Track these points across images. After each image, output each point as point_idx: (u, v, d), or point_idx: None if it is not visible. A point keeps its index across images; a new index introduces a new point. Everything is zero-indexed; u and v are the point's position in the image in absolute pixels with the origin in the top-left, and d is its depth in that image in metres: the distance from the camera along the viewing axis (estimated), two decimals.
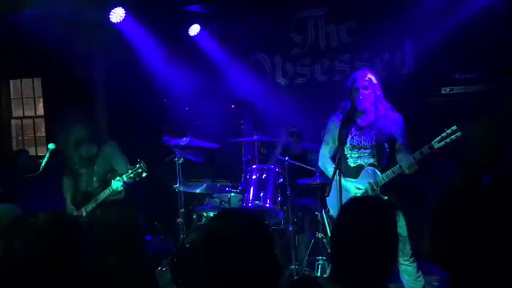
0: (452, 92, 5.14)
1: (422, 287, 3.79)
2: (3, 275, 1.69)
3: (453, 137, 3.44)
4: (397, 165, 3.61)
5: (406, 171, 3.56)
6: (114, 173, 4.39)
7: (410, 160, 3.53)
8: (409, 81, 5.62)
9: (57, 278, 1.71)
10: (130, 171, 4.14)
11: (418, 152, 3.54)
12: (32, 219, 1.76)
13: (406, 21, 5.42)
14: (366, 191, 3.70)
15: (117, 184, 4.15)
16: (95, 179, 4.44)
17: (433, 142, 3.49)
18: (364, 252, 1.71)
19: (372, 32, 5.70)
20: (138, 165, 4.14)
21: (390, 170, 3.63)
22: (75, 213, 4.44)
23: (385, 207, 1.86)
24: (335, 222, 1.88)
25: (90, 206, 4.35)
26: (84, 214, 4.36)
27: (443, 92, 5.19)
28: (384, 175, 3.66)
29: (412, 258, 3.73)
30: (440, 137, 3.48)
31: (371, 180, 3.69)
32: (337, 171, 3.44)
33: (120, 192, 4.29)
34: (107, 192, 4.25)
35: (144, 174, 4.15)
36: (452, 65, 5.24)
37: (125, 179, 4.13)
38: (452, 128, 3.46)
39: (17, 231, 1.74)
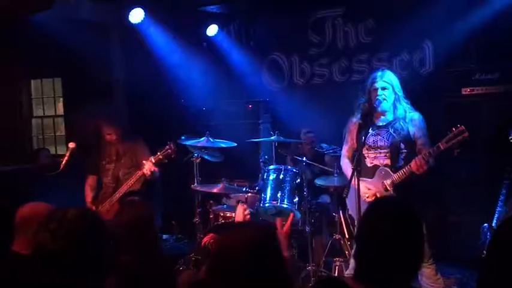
0: (472, 92, 5.06)
1: None
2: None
3: (460, 138, 3.37)
4: (408, 166, 3.57)
5: (416, 172, 3.52)
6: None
7: (419, 160, 3.49)
8: (428, 81, 5.56)
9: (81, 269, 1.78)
10: (159, 152, 4.16)
11: (426, 152, 3.50)
12: (61, 214, 1.83)
13: (426, 21, 5.36)
14: (375, 192, 3.69)
15: (146, 166, 4.15)
16: (120, 173, 4.49)
17: (440, 143, 3.45)
18: (390, 252, 1.68)
19: (390, 32, 5.65)
20: (167, 146, 4.15)
21: (402, 170, 3.61)
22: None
23: (410, 208, 1.83)
24: (360, 223, 1.85)
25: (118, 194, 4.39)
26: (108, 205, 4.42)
27: (463, 93, 5.11)
28: (395, 175, 3.63)
29: (431, 260, 3.69)
30: (447, 137, 3.42)
31: (384, 181, 3.67)
32: (355, 172, 3.42)
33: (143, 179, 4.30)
34: (134, 178, 4.27)
35: (172, 156, 4.16)
36: (473, 65, 5.16)
37: (153, 160, 4.15)
38: (459, 128, 3.39)
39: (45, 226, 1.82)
